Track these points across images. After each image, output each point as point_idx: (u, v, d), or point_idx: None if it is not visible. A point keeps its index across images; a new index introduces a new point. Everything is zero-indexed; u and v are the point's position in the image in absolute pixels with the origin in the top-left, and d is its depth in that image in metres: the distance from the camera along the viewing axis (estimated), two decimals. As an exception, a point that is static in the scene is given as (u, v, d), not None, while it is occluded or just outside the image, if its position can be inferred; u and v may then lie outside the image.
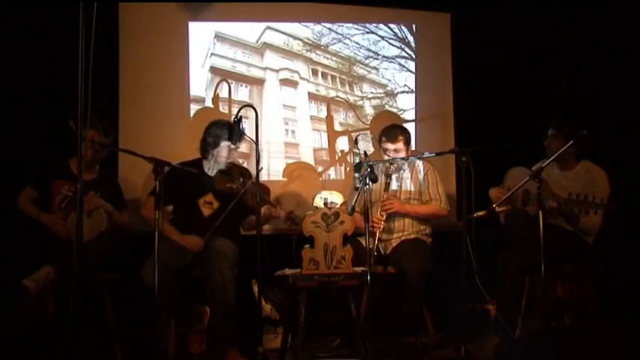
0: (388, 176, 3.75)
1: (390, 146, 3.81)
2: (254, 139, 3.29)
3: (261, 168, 3.39)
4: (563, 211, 3.32)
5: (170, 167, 3.27)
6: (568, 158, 3.56)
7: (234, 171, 3.66)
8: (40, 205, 3.57)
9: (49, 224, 3.47)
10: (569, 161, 3.61)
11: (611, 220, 3.44)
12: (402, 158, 3.82)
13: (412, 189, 3.87)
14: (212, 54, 4.55)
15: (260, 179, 3.40)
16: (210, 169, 3.71)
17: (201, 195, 3.66)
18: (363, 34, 4.78)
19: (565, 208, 3.27)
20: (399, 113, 4.80)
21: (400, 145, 3.82)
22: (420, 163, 3.91)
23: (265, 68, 4.64)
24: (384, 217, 3.70)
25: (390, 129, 3.89)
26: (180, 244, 3.47)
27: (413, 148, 4.71)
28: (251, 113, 3.42)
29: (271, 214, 3.58)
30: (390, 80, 4.81)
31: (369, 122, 4.75)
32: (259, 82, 4.62)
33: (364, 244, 3.17)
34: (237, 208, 3.53)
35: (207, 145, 3.69)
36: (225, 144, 3.64)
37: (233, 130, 3.59)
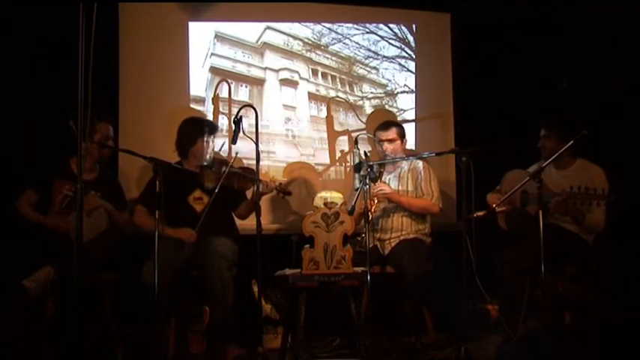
0: (381, 165, 3.75)
1: (383, 135, 3.82)
2: (254, 139, 3.28)
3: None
4: (570, 209, 3.31)
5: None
6: (564, 157, 3.53)
7: (216, 164, 3.66)
8: (41, 207, 3.57)
9: (54, 226, 3.47)
10: (566, 160, 3.59)
11: (611, 217, 3.43)
12: (402, 158, 3.83)
13: (412, 189, 3.87)
14: (212, 54, 4.54)
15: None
16: (192, 166, 3.71)
17: (189, 192, 3.68)
18: (363, 34, 4.78)
19: (569, 203, 3.26)
20: (398, 113, 4.80)
21: (393, 134, 3.84)
22: (420, 164, 3.91)
23: (265, 68, 4.64)
24: (377, 202, 3.71)
25: (383, 123, 3.96)
26: (176, 237, 3.49)
27: (413, 148, 4.73)
28: (251, 113, 3.41)
29: (262, 191, 3.55)
30: (390, 80, 4.80)
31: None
32: (259, 82, 4.62)
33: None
34: (228, 196, 3.54)
35: (184, 145, 3.71)
36: (201, 139, 3.66)
37: (206, 124, 3.67)
